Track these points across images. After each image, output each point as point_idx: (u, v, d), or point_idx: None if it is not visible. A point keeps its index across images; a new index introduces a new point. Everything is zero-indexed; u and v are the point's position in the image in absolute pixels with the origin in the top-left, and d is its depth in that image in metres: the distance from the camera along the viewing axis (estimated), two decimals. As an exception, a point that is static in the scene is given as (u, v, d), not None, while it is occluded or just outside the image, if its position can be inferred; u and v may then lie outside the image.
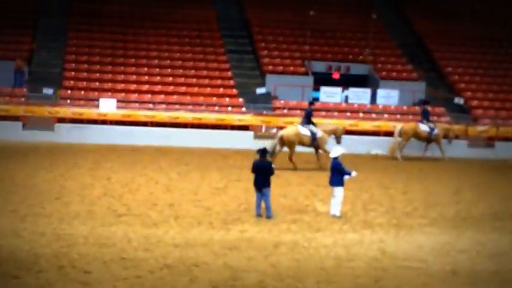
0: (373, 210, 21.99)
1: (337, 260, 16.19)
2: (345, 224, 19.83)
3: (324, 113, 40.03)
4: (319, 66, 44.86)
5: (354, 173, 20.83)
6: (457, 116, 41.22)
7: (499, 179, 30.27)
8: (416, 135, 36.33)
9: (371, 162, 33.76)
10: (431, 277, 15.30)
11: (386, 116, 40.47)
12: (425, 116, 36.94)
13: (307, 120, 31.27)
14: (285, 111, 40.15)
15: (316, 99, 41.98)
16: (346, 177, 20.62)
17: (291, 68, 44.27)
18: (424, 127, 36.44)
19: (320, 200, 23.09)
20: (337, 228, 19.25)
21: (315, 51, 45.80)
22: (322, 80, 43.23)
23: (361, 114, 40.46)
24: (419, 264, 16.20)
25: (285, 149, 30.87)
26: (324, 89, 41.91)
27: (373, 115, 40.56)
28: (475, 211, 22.70)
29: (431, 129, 36.41)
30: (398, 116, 40.53)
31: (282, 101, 41.15)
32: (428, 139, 36.56)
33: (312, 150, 31.32)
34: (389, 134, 38.43)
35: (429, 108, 37.54)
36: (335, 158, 20.65)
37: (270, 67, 44.05)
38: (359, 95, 42.00)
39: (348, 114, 40.34)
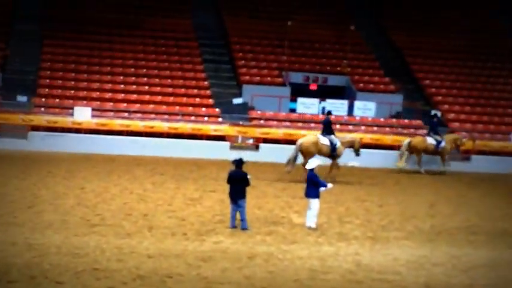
0: (348, 223, 22.09)
1: (312, 272, 16.25)
2: (320, 236, 19.91)
3: (300, 124, 40.13)
4: (297, 77, 45.01)
5: (329, 185, 20.95)
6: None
7: (475, 193, 30.51)
8: (424, 149, 36.74)
9: (347, 174, 33.88)
10: (405, 290, 15.42)
11: (363, 127, 40.67)
12: (432, 129, 37.41)
13: (328, 130, 31.57)
14: (262, 122, 40.24)
15: (293, 110, 42.14)
16: (322, 189, 20.71)
17: (268, 79, 44.40)
18: (431, 140, 36.88)
19: (296, 211, 23.17)
20: (313, 241, 19.33)
21: (293, 62, 45.97)
22: (300, 91, 43.38)
23: (338, 126, 40.56)
24: (394, 277, 16.31)
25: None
26: (301, 100, 42.06)
27: (350, 127, 40.73)
28: (450, 225, 22.87)
29: (438, 142, 36.79)
30: (375, 128, 40.75)
31: (258, 112, 41.25)
32: (435, 152, 36.96)
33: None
34: (366, 146, 38.57)
35: (435, 120, 38.08)
36: (311, 170, 20.74)
37: (247, 77, 44.15)
38: (336, 107, 42.13)
39: (325, 125, 40.46)
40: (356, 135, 36.13)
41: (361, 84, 45.05)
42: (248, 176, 20.13)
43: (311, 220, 20.75)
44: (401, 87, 45.63)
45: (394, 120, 42.31)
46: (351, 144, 32.49)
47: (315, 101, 42.19)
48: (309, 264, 16.90)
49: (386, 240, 20.03)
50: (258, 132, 38.79)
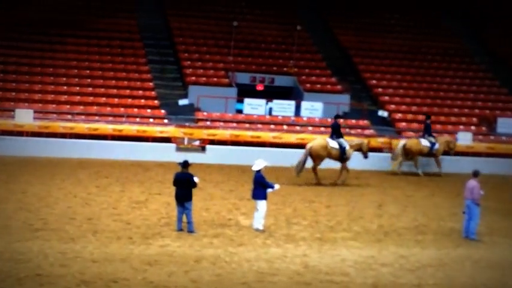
0: (296, 224, 22.21)
1: (259, 274, 16.31)
2: (268, 238, 19.98)
3: (247, 125, 40.16)
4: (243, 78, 44.99)
5: (277, 186, 21.03)
6: (380, 129, 41.87)
7: (422, 193, 30.86)
8: (419, 151, 37.21)
9: (295, 175, 33.97)
10: (353, 291, 15.54)
11: (310, 128, 40.83)
12: (426, 131, 37.89)
13: (337, 134, 32.49)
14: (208, 123, 40.14)
15: (240, 111, 42.13)
16: (269, 190, 20.79)
17: (215, 79, 44.31)
18: (425, 142, 37.35)
19: (243, 213, 23.22)
20: (260, 242, 19.39)
21: (239, 63, 45.97)
22: (246, 91, 43.37)
23: (285, 127, 40.72)
24: (342, 278, 16.45)
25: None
26: (247, 101, 42.04)
27: (297, 127, 40.87)
28: (397, 225, 23.14)
29: (432, 144, 37.31)
30: (322, 129, 40.91)
31: (205, 113, 41.14)
32: (429, 154, 37.46)
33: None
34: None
35: (429, 122, 38.38)
36: (258, 171, 20.80)
37: (193, 78, 44.00)
38: (283, 107, 42.23)
39: (272, 126, 40.55)
40: (363, 138, 36.55)
41: (308, 85, 45.22)
42: (194, 178, 20.10)
43: (258, 222, 20.81)
44: (348, 88, 45.94)
45: (341, 120, 42.52)
46: (359, 147, 33.48)
47: (262, 101, 42.21)
48: (257, 266, 16.95)
49: (334, 241, 20.18)
50: (205, 133, 38.68)
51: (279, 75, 45.67)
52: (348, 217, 23.98)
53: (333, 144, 32.14)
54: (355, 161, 37.52)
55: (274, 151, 37.37)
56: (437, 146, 37.48)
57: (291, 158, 37.06)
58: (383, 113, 43.12)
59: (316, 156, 31.71)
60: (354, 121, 42.45)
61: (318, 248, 19.22)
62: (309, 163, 31.96)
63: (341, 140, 32.49)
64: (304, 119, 41.94)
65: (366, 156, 33.74)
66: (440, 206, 27.27)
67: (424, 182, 34.00)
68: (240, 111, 42.26)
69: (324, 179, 31.99)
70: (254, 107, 41.99)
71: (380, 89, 46.37)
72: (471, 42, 53.25)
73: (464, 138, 40.53)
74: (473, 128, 43.16)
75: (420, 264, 18.24)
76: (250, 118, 41.25)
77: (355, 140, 34.17)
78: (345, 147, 32.24)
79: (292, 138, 39.19)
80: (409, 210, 26.09)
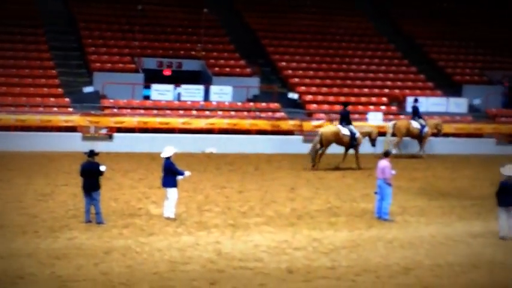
0: (208, 211, 22.25)
1: (171, 263, 16.29)
2: (179, 226, 19.96)
3: (155, 112, 39.92)
4: (150, 63, 44.63)
5: (187, 173, 21.00)
6: (291, 111, 42.19)
7: (334, 174, 31.27)
8: (409, 132, 38.17)
9: (205, 161, 34.03)
10: (267, 276, 15.68)
11: (220, 113, 40.87)
12: (416, 113, 38.87)
13: (347, 121, 33.61)
14: (115, 110, 39.74)
15: (147, 97, 41.84)
16: (179, 177, 20.75)
17: (120, 65, 43.84)
18: (415, 124, 38.35)
19: (153, 202, 23.13)
20: (172, 231, 19.35)
21: (145, 47, 45.59)
22: (153, 77, 43.07)
23: (194, 112, 40.63)
24: (256, 264, 16.56)
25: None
26: (155, 87, 41.74)
27: (207, 112, 40.84)
28: (310, 208, 23.40)
29: (422, 127, 38.38)
30: (232, 113, 41.02)
31: (111, 100, 40.68)
32: (419, 136, 38.41)
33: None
34: (223, 131, 38.88)
35: (418, 104, 39.46)
36: (167, 158, 20.74)
37: (98, 64, 43.45)
38: (192, 92, 42.10)
39: (181, 112, 40.40)
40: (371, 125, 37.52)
41: (217, 69, 45.21)
42: (101, 167, 19.90)
43: (169, 210, 20.77)
44: (258, 70, 46.10)
45: (251, 104, 42.72)
46: (368, 134, 34.74)
47: (170, 87, 41.98)
48: (169, 255, 16.93)
49: (247, 227, 20.29)
50: (111, 121, 38.28)
51: (187, 59, 45.50)
52: (261, 202, 24.13)
53: (345, 131, 33.30)
54: (266, 143, 37.95)
55: (183, 137, 37.29)
56: (426, 128, 38.64)
57: (201, 143, 37.19)
58: (293, 95, 43.47)
59: (326, 142, 32.87)
60: (264, 104, 42.66)
61: (231, 235, 19.29)
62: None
63: (351, 126, 33.66)
64: (214, 103, 41.92)
65: (373, 144, 34.88)
66: (353, 187, 27.70)
67: (335, 163, 34.41)
68: (147, 98, 41.96)
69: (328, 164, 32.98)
70: (162, 92, 41.75)
71: (290, 71, 46.69)
72: (379, 22, 54.04)
73: (374, 118, 41.20)
74: (383, 107, 43.90)
75: (334, 246, 18.49)
76: (158, 104, 41.02)
77: (366, 128, 35.53)
78: (355, 134, 33.35)
79: (201, 123, 39.18)
80: (322, 192, 26.41)
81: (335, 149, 33.69)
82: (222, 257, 17.04)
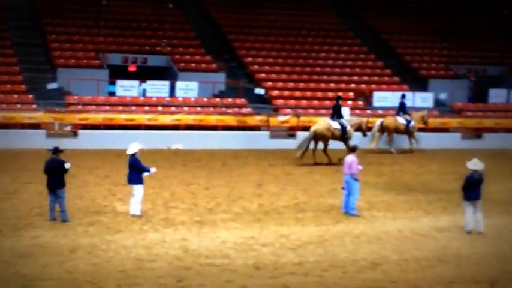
0: (175, 208, 22.23)
1: (138, 261, 16.27)
2: (145, 223, 19.93)
3: (120, 108, 39.72)
4: (115, 59, 44.42)
5: (153, 170, 20.96)
6: (257, 107, 42.21)
7: (301, 170, 31.35)
8: (397, 129, 38.64)
9: (172, 157, 33.97)
10: (234, 273, 15.72)
11: (186, 109, 40.78)
12: (401, 109, 39.25)
13: (338, 114, 33.98)
14: (80, 107, 39.49)
15: (112, 93, 41.65)
16: (145, 174, 20.71)
17: (85, 61, 43.57)
18: (401, 120, 38.82)
19: (119, 199, 23.06)
20: (138, 229, 19.32)
21: (110, 43, 45.34)
22: (118, 73, 42.88)
23: (160, 108, 40.50)
24: (223, 260, 16.59)
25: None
26: (120, 83, 41.56)
27: (173, 108, 40.73)
28: (277, 203, 23.47)
29: (408, 122, 38.86)
30: (198, 109, 40.95)
31: (75, 97, 40.40)
32: (406, 131, 38.88)
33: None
34: (190, 127, 38.82)
35: (404, 100, 39.81)
36: (132, 155, 20.68)
37: (62, 60, 43.15)
38: (158, 88, 41.97)
39: (147, 108, 40.25)
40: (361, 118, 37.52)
41: (183, 64, 45.10)
42: (66, 164, 19.80)
43: (135, 207, 20.72)
44: (224, 66, 46.07)
45: (217, 99, 42.70)
46: (358, 126, 35.34)
47: (135, 83, 41.82)
48: (135, 253, 16.90)
49: (213, 224, 20.31)
50: (76, 118, 38.04)
51: (152, 55, 45.37)
52: (228, 198, 24.15)
53: (335, 125, 33.60)
54: (232, 139, 37.95)
55: (149, 133, 37.22)
56: (413, 123, 39.11)
57: (167, 140, 37.09)
58: (260, 91, 43.50)
59: (322, 138, 33.20)
60: (230, 100, 42.66)
61: (198, 231, 19.30)
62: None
63: (342, 120, 33.97)
64: (180, 99, 41.83)
65: (364, 135, 35.88)
66: (320, 183, 27.80)
67: (303, 159, 34.50)
68: (112, 94, 41.78)
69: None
70: (127, 88, 41.56)
71: (256, 67, 46.70)
72: (346, 17, 54.23)
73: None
74: (350, 102, 44.06)
75: (301, 242, 18.57)
76: (124, 100, 40.84)
77: (354, 119, 35.84)
78: (346, 127, 33.68)
79: (167, 119, 39.07)
80: (289, 188, 26.48)
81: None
82: (188, 254, 17.04)
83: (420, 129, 40.53)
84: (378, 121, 38.59)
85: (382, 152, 37.81)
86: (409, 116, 39.29)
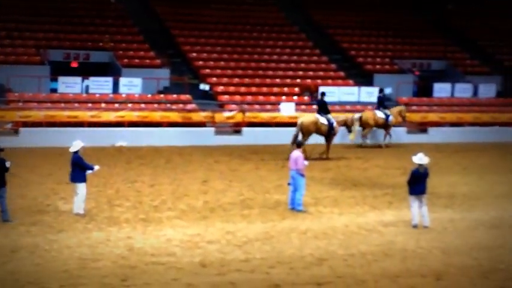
0: (119, 206, 22.12)
1: (82, 260, 16.17)
2: (89, 222, 19.80)
3: (62, 105, 39.33)
4: (56, 55, 43.98)
5: (96, 168, 20.83)
6: (202, 103, 42.16)
7: (247, 166, 31.40)
8: (376, 123, 39.38)
9: (116, 155, 33.77)
10: (180, 271, 15.71)
11: (130, 105, 40.55)
12: (380, 103, 40.08)
13: (324, 110, 34.46)
14: (21, 104, 39.03)
15: (54, 90, 41.24)
16: (88, 172, 20.58)
17: (25, 57, 43.06)
18: (380, 114, 39.57)
19: (62, 198, 22.87)
20: (81, 227, 19.19)
21: (51, 39, 44.89)
22: (60, 69, 42.48)
23: (103, 105, 40.21)
24: (168, 258, 16.57)
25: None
26: (62, 79, 41.16)
27: (116, 105, 40.47)
28: (223, 200, 23.49)
29: (387, 116, 39.58)
30: (142, 105, 40.76)
31: (16, 94, 39.95)
32: (384, 125, 39.63)
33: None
34: (134, 124, 38.61)
35: (382, 95, 40.78)
36: (75, 152, 20.53)
37: (2, 57, 42.58)
38: (100, 84, 41.68)
39: (90, 105, 39.93)
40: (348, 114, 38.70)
41: (126, 60, 44.84)
42: (6, 163, 19.57)
43: (79, 206, 20.58)
44: (168, 62, 45.91)
45: (162, 95, 42.54)
46: (344, 123, 36.83)
47: (78, 79, 41.46)
48: (79, 252, 16.79)
49: (159, 221, 20.26)
50: (17, 115, 37.61)
51: (95, 50, 45.02)
52: (173, 195, 24.10)
53: (323, 120, 33.89)
54: (177, 136, 37.86)
55: (93, 131, 36.92)
56: (391, 117, 39.83)
57: (111, 137, 36.85)
58: (204, 87, 43.48)
59: (306, 131, 33.25)
60: (175, 96, 42.52)
61: (143, 229, 19.23)
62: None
63: (329, 116, 34.45)
64: (123, 95, 41.60)
65: (349, 131, 37.28)
66: (266, 179, 27.87)
67: (248, 155, 34.57)
68: (54, 91, 41.37)
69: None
70: (69, 85, 41.22)
71: (200, 62, 46.64)
72: (290, 11, 54.40)
73: (287, 109, 41.47)
74: (295, 98, 44.24)
75: (247, 238, 18.62)
76: (66, 97, 40.48)
77: (341, 116, 37.16)
78: (332, 123, 34.07)
79: (111, 116, 38.84)
80: (235, 184, 26.51)
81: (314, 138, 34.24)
82: (133, 252, 16.98)
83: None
84: (357, 115, 38.93)
85: (365, 147, 38.71)
86: (388, 111, 40.03)
